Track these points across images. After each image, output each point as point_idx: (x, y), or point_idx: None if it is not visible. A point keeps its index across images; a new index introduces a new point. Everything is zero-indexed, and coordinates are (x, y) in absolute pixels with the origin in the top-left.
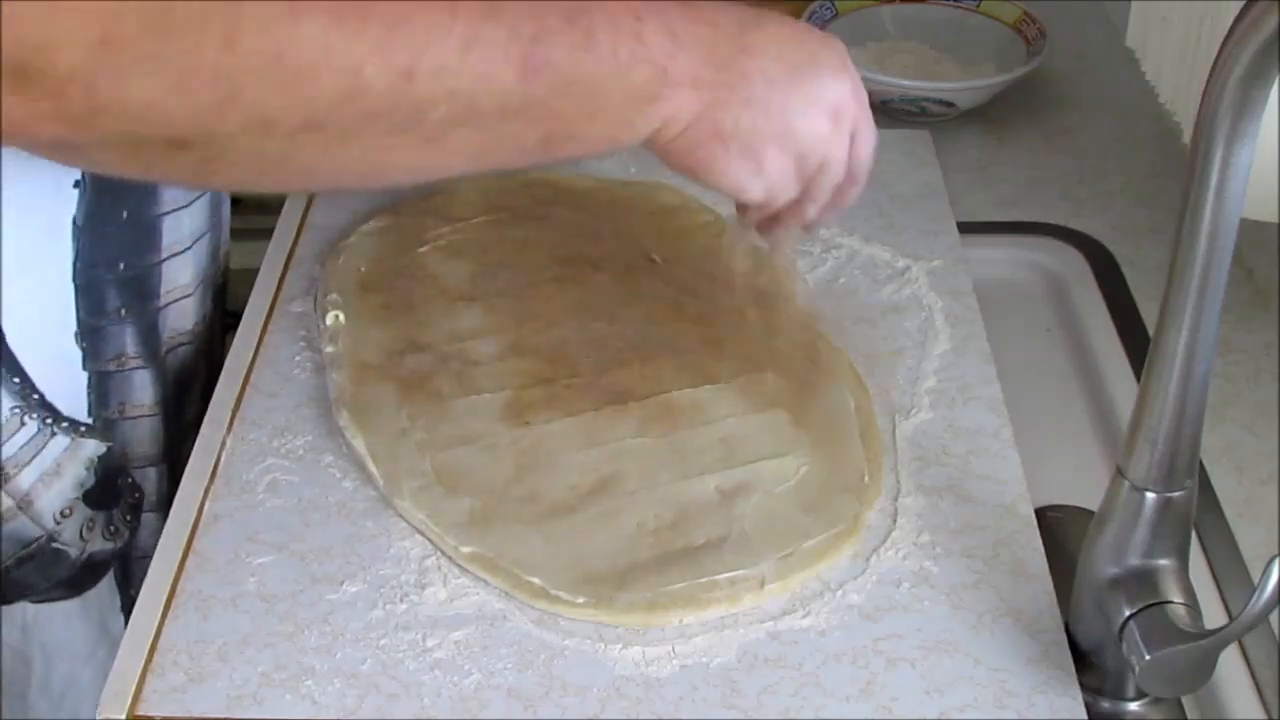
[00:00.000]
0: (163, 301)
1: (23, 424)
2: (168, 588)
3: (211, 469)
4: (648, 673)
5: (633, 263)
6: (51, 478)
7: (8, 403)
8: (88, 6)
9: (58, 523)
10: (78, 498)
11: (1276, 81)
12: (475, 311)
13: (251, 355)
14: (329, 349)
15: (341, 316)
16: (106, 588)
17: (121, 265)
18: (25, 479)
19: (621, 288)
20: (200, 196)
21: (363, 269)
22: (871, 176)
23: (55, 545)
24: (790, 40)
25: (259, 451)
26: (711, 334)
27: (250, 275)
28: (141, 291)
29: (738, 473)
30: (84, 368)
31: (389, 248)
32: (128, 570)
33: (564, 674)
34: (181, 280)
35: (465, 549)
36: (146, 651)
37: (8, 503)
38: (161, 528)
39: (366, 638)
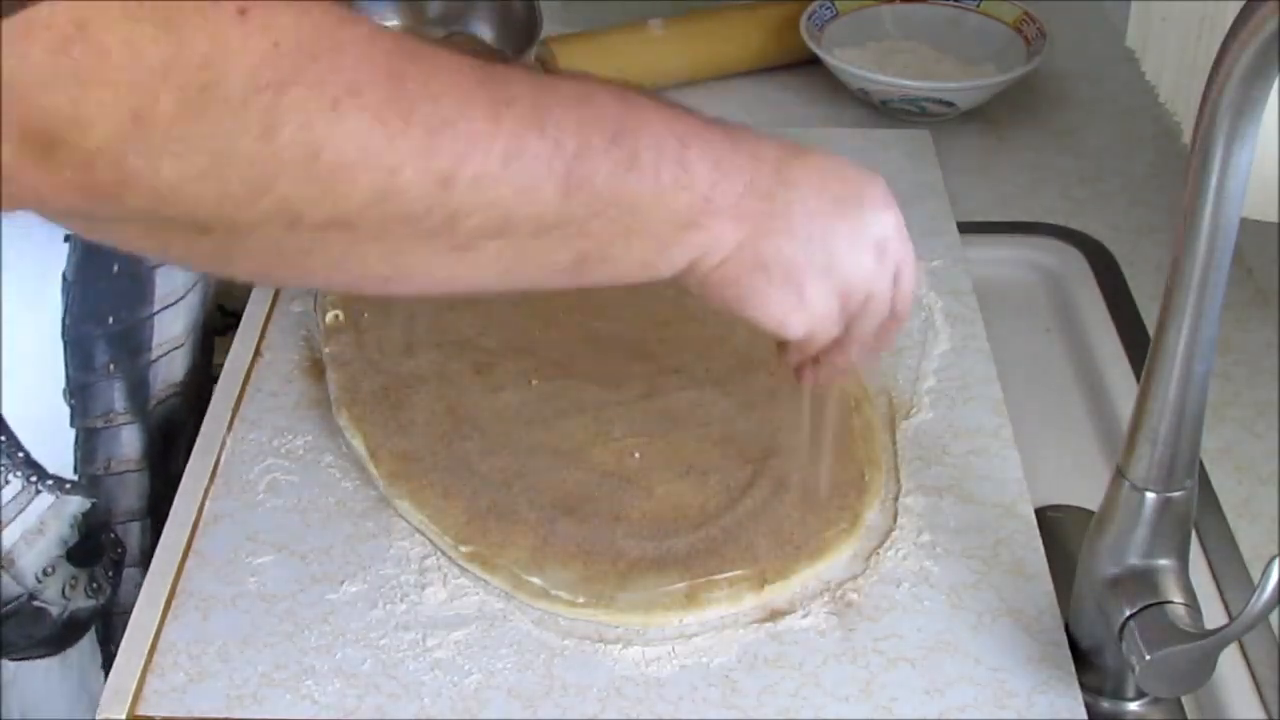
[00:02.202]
0: (154, 355)
1: (6, 482)
2: (168, 588)
3: (211, 469)
4: (648, 673)
5: None
6: (34, 536)
7: None
8: (123, 81)
9: (40, 581)
10: (61, 555)
11: (1276, 81)
12: (475, 311)
13: (251, 355)
14: (329, 349)
15: (341, 316)
16: (88, 645)
17: (111, 320)
18: (7, 538)
19: (621, 288)
20: None
21: None
22: None
23: (36, 604)
24: (833, 174)
25: (259, 451)
26: (711, 334)
27: None
28: (131, 346)
29: (738, 472)
30: (71, 424)
31: None
32: (109, 627)
33: (564, 674)
34: (174, 331)
35: (465, 549)
36: (146, 651)
37: None
38: (143, 582)
39: (366, 638)
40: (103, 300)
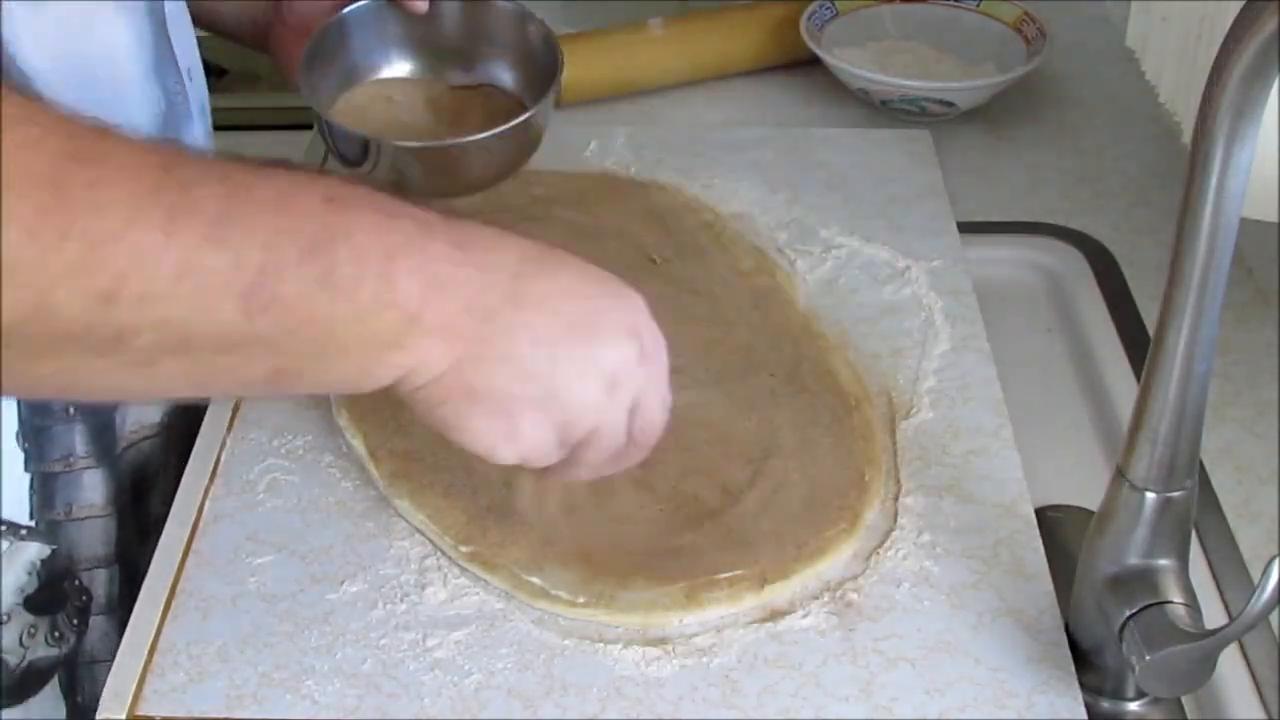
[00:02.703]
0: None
1: None
2: (168, 588)
3: (211, 469)
4: (648, 673)
5: (633, 263)
6: None
7: None
8: None
9: None
10: (18, 603)
11: (1276, 81)
12: None
13: None
14: None
15: None
16: (50, 696)
17: None
18: None
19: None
20: None
21: None
22: (871, 176)
23: None
24: (574, 294)
25: (259, 451)
26: (711, 334)
27: None
28: None
29: (738, 472)
30: (26, 469)
31: None
32: (74, 677)
33: (564, 674)
34: None
35: (465, 549)
36: (146, 651)
37: None
38: (114, 632)
39: (366, 638)
40: None
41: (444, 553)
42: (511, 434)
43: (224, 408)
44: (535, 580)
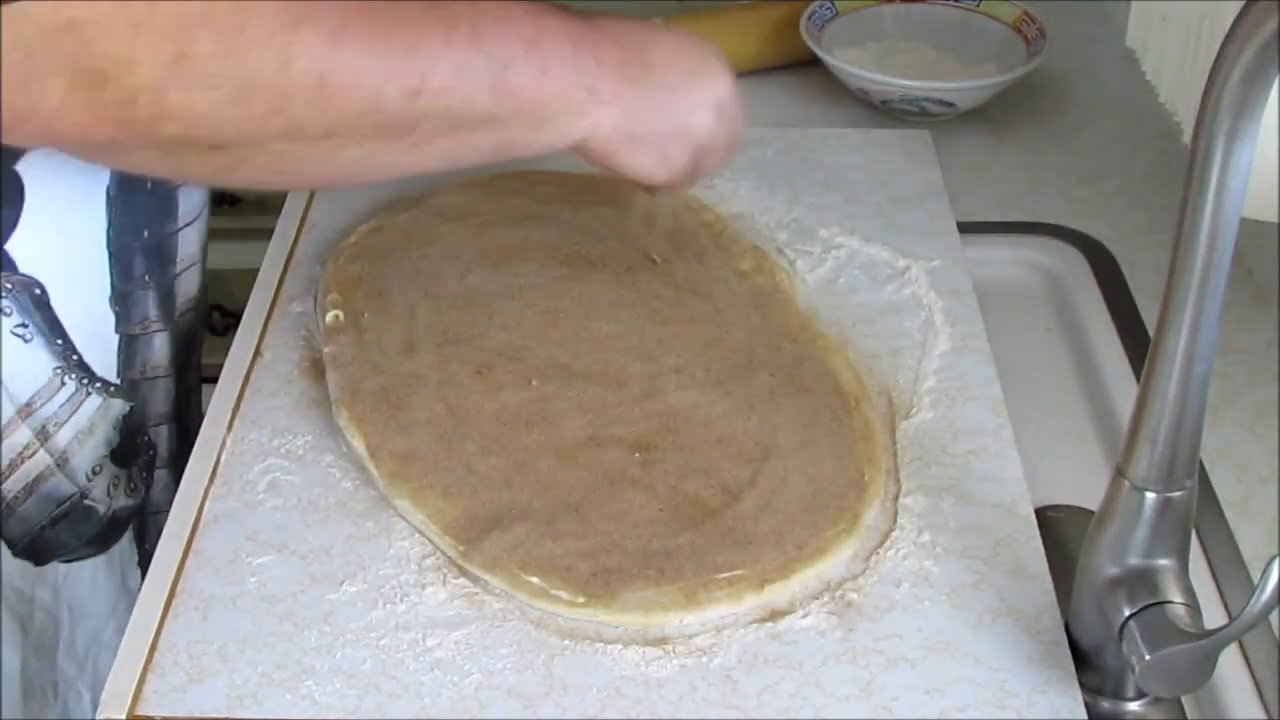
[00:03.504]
0: (178, 268)
1: (63, 384)
2: (168, 588)
3: (211, 469)
4: (648, 673)
5: (633, 263)
6: (85, 436)
7: (51, 363)
8: (168, 26)
9: (89, 480)
10: (106, 456)
11: (1276, 81)
12: (475, 312)
13: (251, 355)
14: (329, 349)
15: (341, 316)
16: (126, 544)
17: (146, 233)
18: (63, 437)
19: (621, 288)
20: None
21: (363, 269)
22: (871, 176)
23: (86, 502)
24: (684, 50)
25: (259, 451)
26: (711, 334)
27: (250, 275)
28: (162, 258)
29: (738, 472)
30: (116, 330)
31: (389, 247)
32: (144, 526)
33: (564, 674)
34: (192, 249)
35: (465, 549)
36: (146, 651)
37: (47, 461)
38: (172, 483)
39: (366, 638)
40: (139, 215)
41: (444, 553)
42: (663, 161)
43: (224, 408)
44: (535, 580)
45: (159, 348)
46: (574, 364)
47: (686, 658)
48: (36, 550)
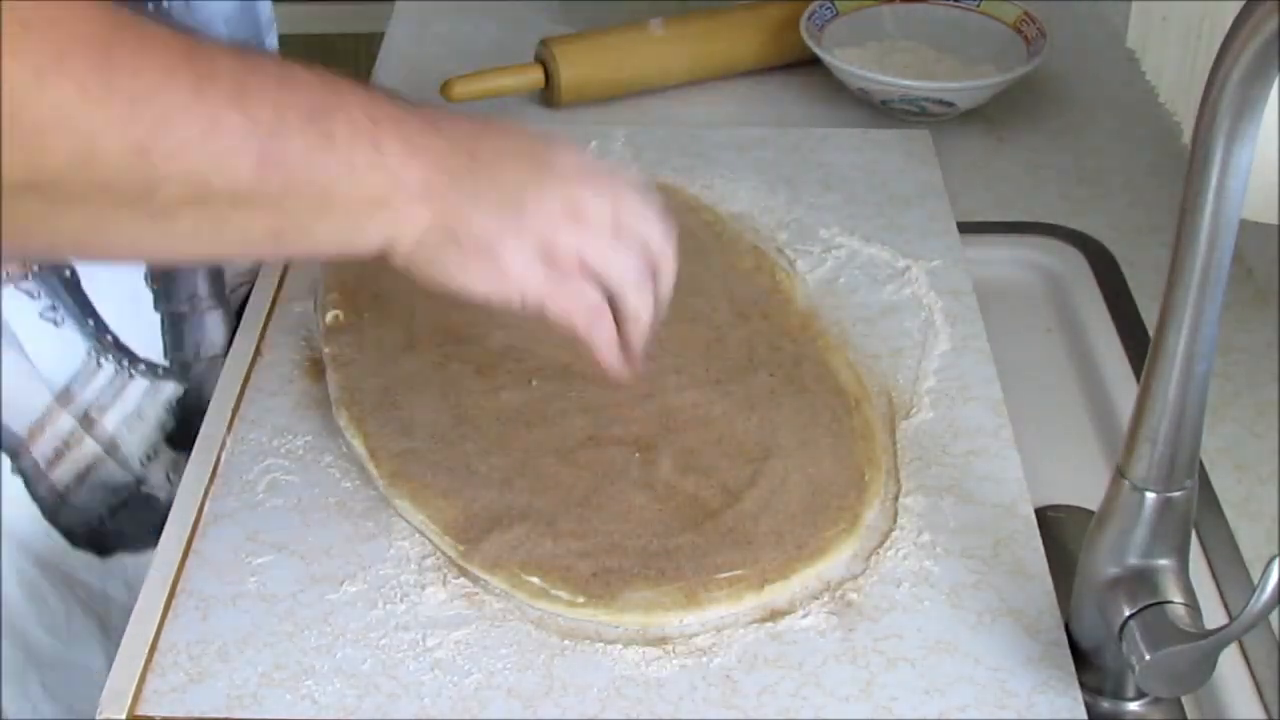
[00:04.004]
0: None
1: (99, 366)
2: (168, 588)
3: (211, 469)
4: (648, 673)
5: None
6: (135, 421)
7: (83, 345)
8: None
9: (144, 465)
10: (161, 440)
11: (1276, 81)
12: (476, 311)
13: (252, 355)
14: (329, 349)
15: (341, 316)
16: None
17: None
18: (109, 423)
19: None
20: None
21: (363, 269)
22: (871, 176)
23: (144, 490)
24: (523, 142)
25: (259, 451)
26: (711, 334)
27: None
28: None
29: (738, 472)
30: (155, 309)
31: None
32: None
33: (564, 674)
34: None
35: (464, 549)
36: (146, 651)
37: (94, 448)
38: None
39: (366, 638)
40: None
41: (444, 553)
42: (499, 270)
43: (224, 408)
44: (535, 580)
45: (211, 327)
46: (574, 364)
47: (686, 658)
48: (99, 541)
